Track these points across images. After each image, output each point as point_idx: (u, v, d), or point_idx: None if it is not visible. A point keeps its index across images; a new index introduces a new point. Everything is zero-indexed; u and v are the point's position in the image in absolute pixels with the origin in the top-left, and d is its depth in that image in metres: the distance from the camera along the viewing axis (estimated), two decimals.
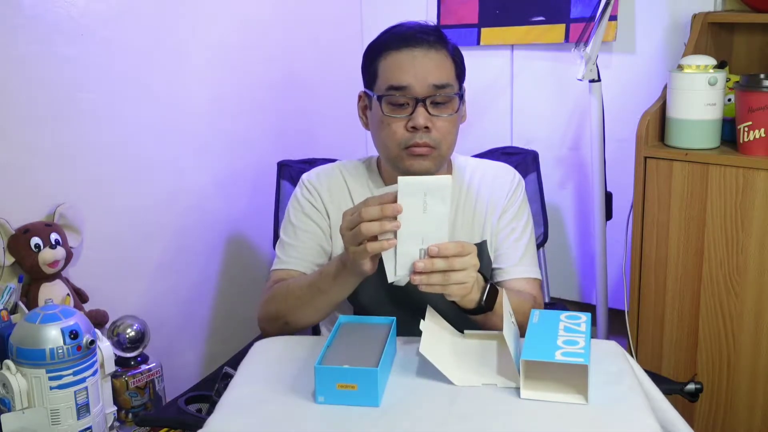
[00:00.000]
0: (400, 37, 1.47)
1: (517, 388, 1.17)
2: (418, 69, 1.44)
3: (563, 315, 1.29)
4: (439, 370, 1.20)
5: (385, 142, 1.48)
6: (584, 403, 1.13)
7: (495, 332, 1.33)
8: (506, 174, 1.63)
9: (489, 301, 1.34)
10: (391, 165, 1.52)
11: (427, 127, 1.44)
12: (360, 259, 1.25)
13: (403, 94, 1.44)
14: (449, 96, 1.46)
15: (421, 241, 1.22)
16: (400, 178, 1.20)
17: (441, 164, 1.52)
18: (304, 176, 1.63)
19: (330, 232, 1.57)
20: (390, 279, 1.24)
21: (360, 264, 1.26)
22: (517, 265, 1.57)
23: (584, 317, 1.28)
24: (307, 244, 1.56)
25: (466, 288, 1.27)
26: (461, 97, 1.50)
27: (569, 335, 1.21)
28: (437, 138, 1.46)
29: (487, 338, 1.32)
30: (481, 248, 1.58)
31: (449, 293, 1.26)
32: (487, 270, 1.59)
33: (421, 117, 1.44)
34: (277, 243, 1.61)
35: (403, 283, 1.25)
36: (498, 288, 1.37)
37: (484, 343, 1.32)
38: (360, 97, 1.55)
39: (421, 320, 1.26)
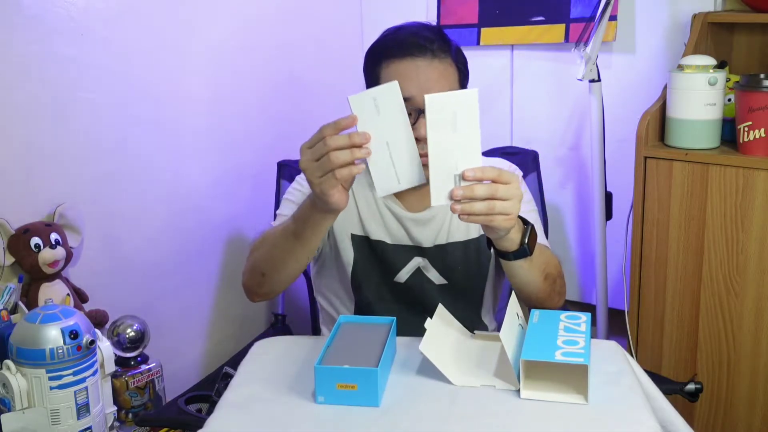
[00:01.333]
0: (402, 45, 1.45)
1: (517, 390, 1.17)
2: (421, 80, 1.43)
3: (563, 315, 1.29)
4: (439, 369, 1.20)
5: None
6: (584, 403, 1.13)
7: (494, 333, 1.33)
8: (502, 167, 1.63)
9: (530, 244, 1.30)
10: None
11: None
12: (328, 189, 1.20)
13: (406, 105, 1.43)
14: None
15: (454, 167, 1.15)
16: (426, 96, 1.15)
17: None
18: None
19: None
20: (381, 193, 1.19)
21: (328, 196, 1.20)
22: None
23: (584, 317, 1.28)
24: None
25: (511, 220, 1.21)
26: None
27: (569, 335, 1.21)
28: None
29: (494, 339, 1.31)
30: (479, 242, 1.58)
31: (495, 225, 1.20)
32: (486, 264, 1.59)
33: (423, 128, 1.42)
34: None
35: (441, 202, 1.17)
36: (536, 232, 1.33)
37: (489, 344, 1.31)
38: None
39: (428, 318, 1.26)
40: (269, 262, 1.42)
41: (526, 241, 1.30)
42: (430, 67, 1.44)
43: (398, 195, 1.57)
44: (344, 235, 1.57)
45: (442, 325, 1.29)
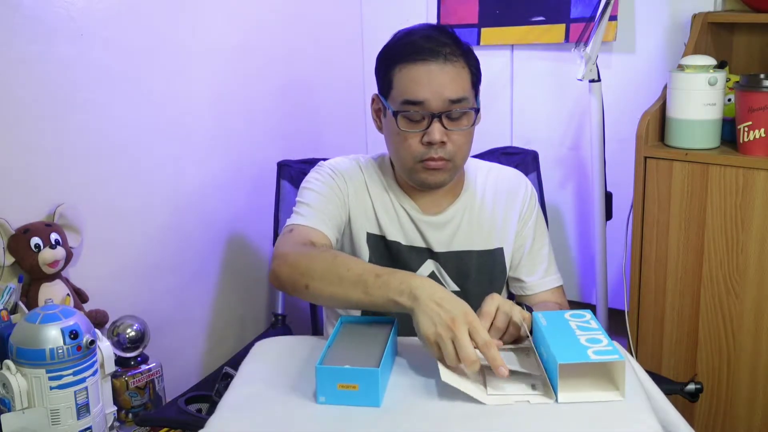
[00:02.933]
0: (415, 49, 1.44)
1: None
2: (434, 84, 1.42)
3: (567, 314, 1.28)
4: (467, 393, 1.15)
5: (401, 154, 1.49)
6: (622, 399, 1.13)
7: (509, 346, 1.29)
8: (519, 182, 1.64)
9: None
10: (405, 175, 1.53)
11: (443, 142, 1.44)
12: (426, 345, 1.20)
13: (419, 109, 1.43)
14: (465, 109, 1.45)
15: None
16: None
17: (455, 174, 1.52)
18: (324, 162, 1.61)
19: (348, 216, 1.55)
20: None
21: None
22: (543, 278, 1.61)
23: (588, 315, 1.27)
24: (328, 211, 1.50)
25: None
26: (477, 110, 1.49)
27: (587, 333, 1.19)
28: (452, 151, 1.46)
29: (505, 351, 1.27)
30: (495, 256, 1.58)
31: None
32: (500, 277, 1.59)
33: (437, 132, 1.43)
34: (294, 209, 1.54)
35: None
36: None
37: (505, 357, 1.28)
38: (373, 100, 1.54)
39: None
40: (322, 288, 1.32)
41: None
42: (442, 71, 1.43)
43: (413, 196, 1.56)
44: (361, 233, 1.56)
45: None
